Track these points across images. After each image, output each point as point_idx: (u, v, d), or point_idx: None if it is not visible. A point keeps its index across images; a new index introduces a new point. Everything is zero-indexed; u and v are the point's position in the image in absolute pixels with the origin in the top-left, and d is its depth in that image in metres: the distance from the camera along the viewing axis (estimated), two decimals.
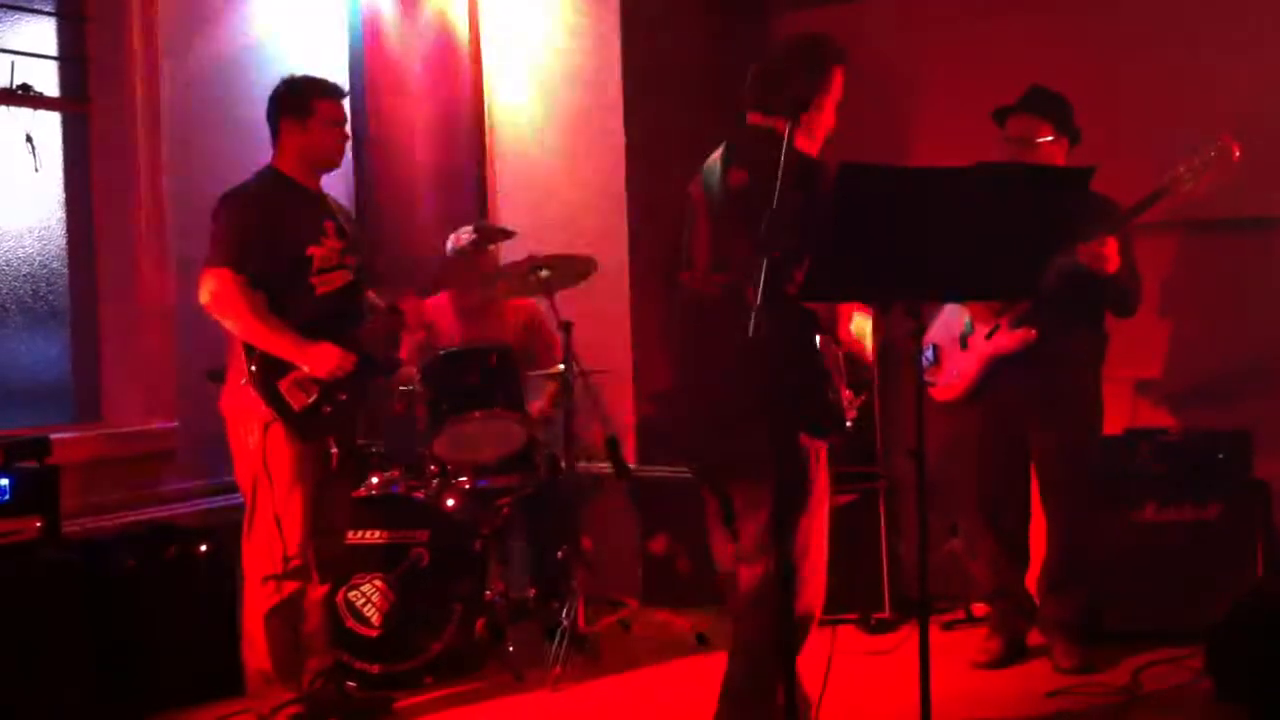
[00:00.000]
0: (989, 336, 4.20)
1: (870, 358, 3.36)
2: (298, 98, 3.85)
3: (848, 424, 3.26)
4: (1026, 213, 2.79)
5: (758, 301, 2.67)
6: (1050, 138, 4.10)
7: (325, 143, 3.86)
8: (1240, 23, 4.75)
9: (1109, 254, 3.90)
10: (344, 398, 3.81)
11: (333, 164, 3.96)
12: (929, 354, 4.35)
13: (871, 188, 2.69)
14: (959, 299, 4.03)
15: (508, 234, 4.37)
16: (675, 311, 3.44)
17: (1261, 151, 4.12)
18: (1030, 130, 4.10)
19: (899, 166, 2.83)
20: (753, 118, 3.30)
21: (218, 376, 3.87)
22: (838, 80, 3.25)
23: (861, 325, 3.35)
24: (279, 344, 3.70)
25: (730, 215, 3.22)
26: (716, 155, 3.32)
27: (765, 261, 2.69)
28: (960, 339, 4.29)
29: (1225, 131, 3.86)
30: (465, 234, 4.84)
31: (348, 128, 3.95)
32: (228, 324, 3.73)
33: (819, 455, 3.26)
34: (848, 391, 3.27)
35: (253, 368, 3.70)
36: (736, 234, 3.18)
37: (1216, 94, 4.69)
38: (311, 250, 3.80)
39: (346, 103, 3.95)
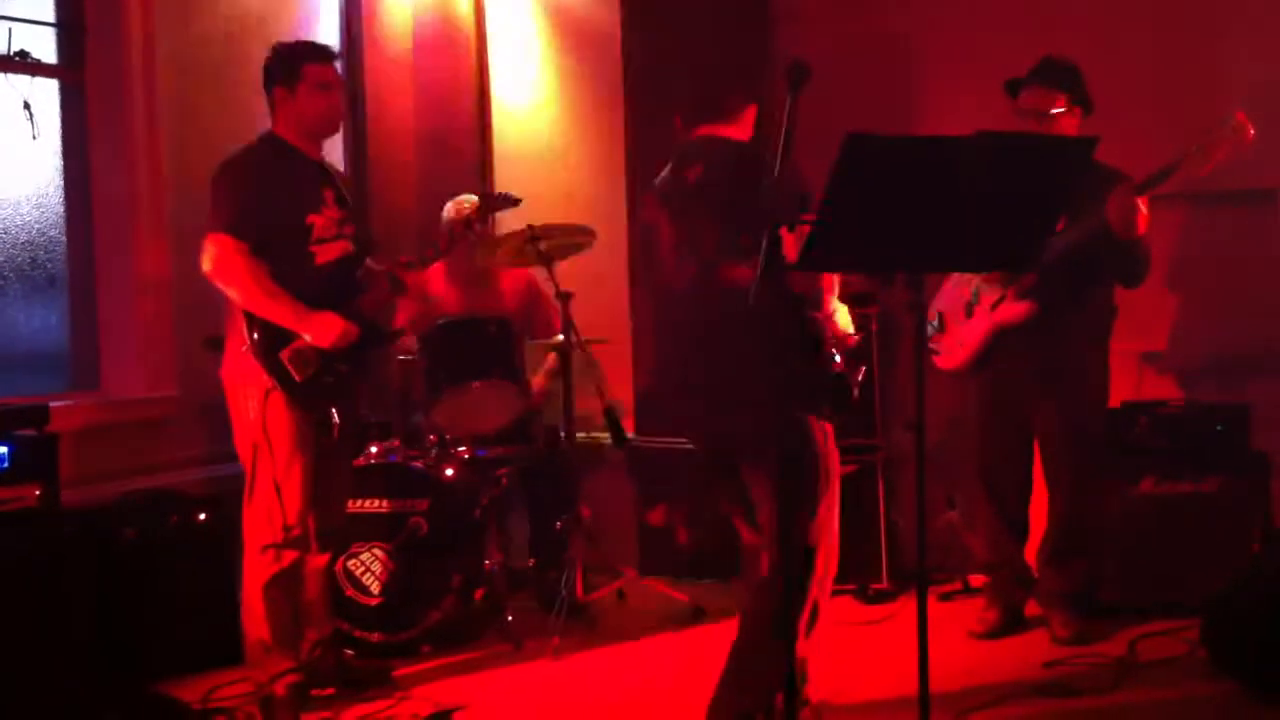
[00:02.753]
0: (994, 306, 4.19)
1: (852, 340, 3.35)
2: (286, 63, 3.80)
3: (854, 398, 3.27)
4: (1029, 183, 2.78)
5: (758, 272, 2.67)
6: (1063, 109, 4.06)
7: (316, 108, 3.81)
8: None
9: (1139, 217, 3.80)
10: (344, 369, 3.79)
11: (326, 129, 3.91)
12: (934, 322, 4.34)
13: (876, 157, 2.67)
14: (960, 269, 4.01)
15: (514, 201, 4.27)
16: (657, 309, 3.51)
17: (1270, 124, 4.09)
18: (1044, 102, 4.06)
19: (902, 136, 2.81)
20: (699, 130, 3.36)
21: (214, 345, 3.86)
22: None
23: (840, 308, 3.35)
24: (281, 312, 3.68)
25: (693, 208, 3.29)
26: (666, 169, 3.40)
27: (767, 233, 2.69)
28: (966, 308, 4.28)
29: (1239, 109, 3.82)
30: (468, 202, 4.80)
31: (341, 92, 3.92)
32: (230, 291, 3.69)
33: (827, 433, 3.26)
34: (852, 366, 3.26)
35: (254, 336, 3.68)
36: (703, 222, 3.25)
37: (1225, 65, 4.66)
38: (311, 218, 3.77)
39: (340, 66, 3.90)
